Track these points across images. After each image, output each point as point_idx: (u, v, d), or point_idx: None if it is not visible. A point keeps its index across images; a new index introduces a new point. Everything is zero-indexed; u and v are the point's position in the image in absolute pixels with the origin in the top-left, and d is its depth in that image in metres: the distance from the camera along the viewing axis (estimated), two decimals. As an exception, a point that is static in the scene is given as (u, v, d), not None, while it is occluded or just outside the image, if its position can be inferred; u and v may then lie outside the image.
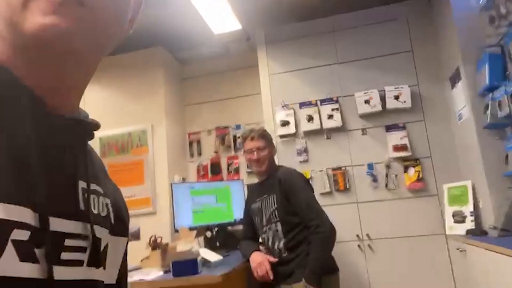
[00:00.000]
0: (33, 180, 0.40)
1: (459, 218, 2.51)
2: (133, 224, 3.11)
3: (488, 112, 2.17)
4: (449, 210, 2.60)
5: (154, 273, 1.93)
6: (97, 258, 0.49)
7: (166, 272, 1.93)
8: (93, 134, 0.54)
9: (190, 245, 1.88)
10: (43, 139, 0.43)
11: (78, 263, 0.46)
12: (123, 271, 0.60)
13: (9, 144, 0.40)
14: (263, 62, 3.19)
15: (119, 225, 0.58)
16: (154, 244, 2.18)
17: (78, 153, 0.50)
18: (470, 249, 2.16)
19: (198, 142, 3.60)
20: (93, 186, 0.51)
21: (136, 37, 3.47)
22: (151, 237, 2.20)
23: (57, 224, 0.43)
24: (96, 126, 0.54)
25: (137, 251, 2.40)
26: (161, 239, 2.23)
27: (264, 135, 2.29)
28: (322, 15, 3.13)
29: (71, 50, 0.44)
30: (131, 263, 2.37)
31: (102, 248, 0.50)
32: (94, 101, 3.36)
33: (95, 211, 0.50)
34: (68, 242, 0.44)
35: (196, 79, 3.76)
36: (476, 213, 2.40)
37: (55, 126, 0.45)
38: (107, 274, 0.52)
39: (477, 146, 2.32)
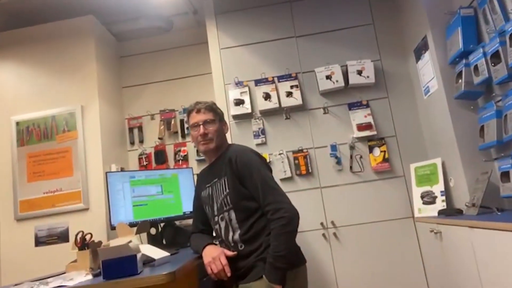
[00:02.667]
0: None
1: (428, 199, 2.34)
2: (61, 223, 2.60)
3: (462, 80, 2.00)
4: (417, 191, 2.42)
5: (79, 277, 1.50)
6: None
7: (96, 275, 1.51)
8: None
9: (127, 239, 1.47)
10: None
11: None
12: None
13: None
14: (213, 35, 2.83)
15: None
16: (82, 243, 1.74)
17: None
18: (447, 230, 1.97)
19: (140, 128, 3.15)
20: None
21: (60, 3, 2.96)
22: (77, 234, 1.76)
23: None
24: None
25: (65, 255, 1.93)
26: (91, 236, 1.79)
27: (213, 108, 1.93)
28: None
29: None
30: (57, 270, 1.91)
31: None
32: (7, 80, 2.81)
33: None
34: None
35: (135, 57, 3.31)
36: (447, 192, 2.24)
37: None
38: None
39: (448, 120, 2.15)
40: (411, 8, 2.49)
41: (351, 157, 2.57)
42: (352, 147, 2.58)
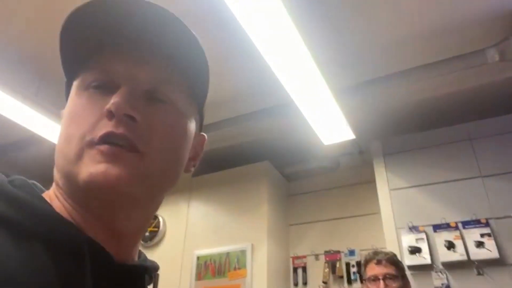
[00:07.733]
0: None
1: None
2: None
3: None
4: None
5: None
6: None
7: None
8: (154, 276, 0.50)
9: None
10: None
11: None
12: None
13: None
14: (381, 175, 2.75)
15: None
16: None
17: None
18: None
19: (304, 268, 3.07)
20: None
21: (242, 152, 3.43)
22: None
23: None
24: (155, 269, 0.51)
25: None
26: None
27: (395, 261, 1.74)
28: (448, 123, 2.69)
29: (124, 196, 0.41)
30: None
31: None
32: (195, 218, 3.23)
33: None
34: None
35: (302, 196, 3.43)
36: None
37: (120, 275, 0.42)
38: None
39: None
40: None
41: None
42: None
